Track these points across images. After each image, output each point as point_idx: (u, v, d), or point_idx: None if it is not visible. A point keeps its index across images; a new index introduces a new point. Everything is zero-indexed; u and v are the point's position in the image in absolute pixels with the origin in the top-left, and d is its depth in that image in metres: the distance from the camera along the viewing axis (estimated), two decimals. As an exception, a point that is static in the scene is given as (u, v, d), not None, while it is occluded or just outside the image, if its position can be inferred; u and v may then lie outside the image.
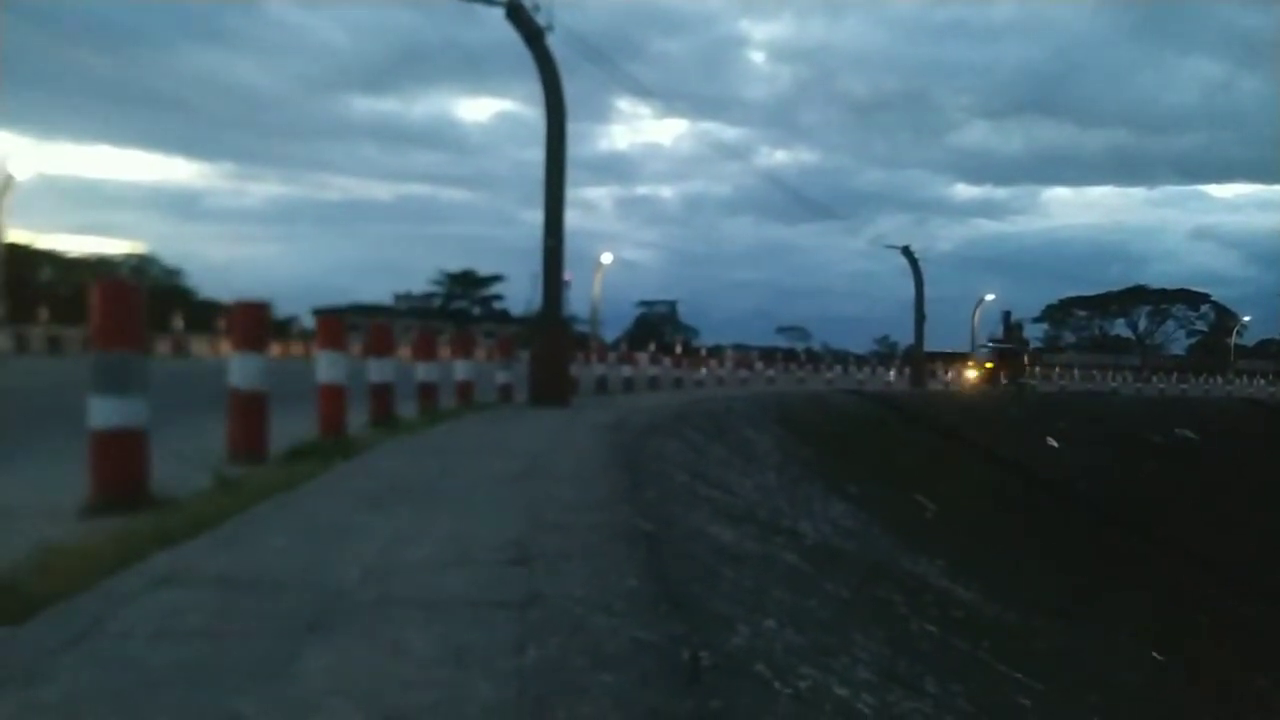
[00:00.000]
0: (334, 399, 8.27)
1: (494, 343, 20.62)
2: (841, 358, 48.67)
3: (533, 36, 13.77)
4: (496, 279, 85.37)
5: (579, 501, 5.31)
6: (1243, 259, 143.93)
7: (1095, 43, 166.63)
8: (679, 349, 31.40)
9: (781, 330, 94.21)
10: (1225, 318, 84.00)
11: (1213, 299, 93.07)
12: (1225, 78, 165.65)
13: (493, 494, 5.59)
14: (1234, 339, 69.96)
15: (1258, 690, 13.49)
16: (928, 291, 40.62)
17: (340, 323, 9.09)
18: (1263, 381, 58.18)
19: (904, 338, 51.69)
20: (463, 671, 2.61)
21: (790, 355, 45.08)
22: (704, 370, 29.25)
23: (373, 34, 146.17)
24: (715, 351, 37.67)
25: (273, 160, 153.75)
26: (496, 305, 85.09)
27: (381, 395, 9.75)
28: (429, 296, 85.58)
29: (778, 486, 11.40)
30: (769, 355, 39.74)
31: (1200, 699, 11.12)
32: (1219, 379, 56.48)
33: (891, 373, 44.29)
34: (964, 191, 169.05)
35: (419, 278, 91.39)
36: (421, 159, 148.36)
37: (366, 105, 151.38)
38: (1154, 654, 11.96)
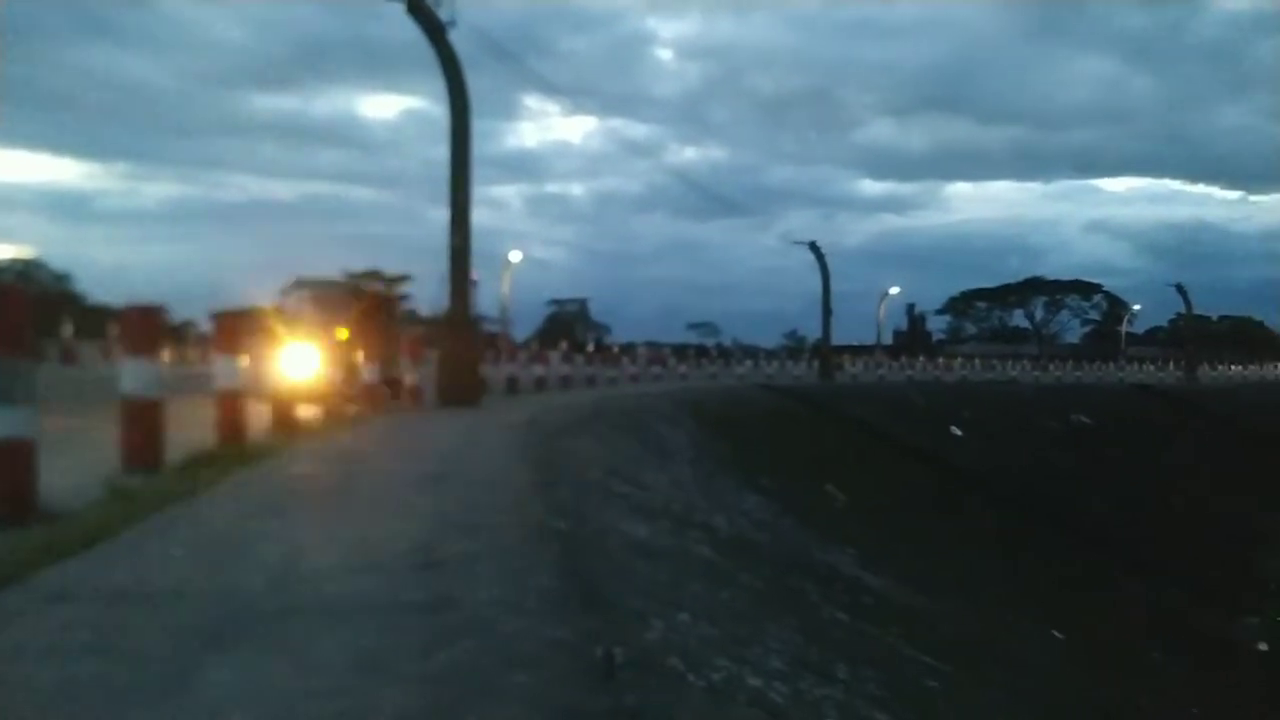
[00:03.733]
0: (232, 404, 8.04)
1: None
2: (752, 352, 49.18)
3: (435, 32, 13.59)
4: (403, 279, 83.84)
5: (490, 502, 5.26)
6: (1133, 250, 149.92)
7: (994, 42, 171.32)
8: (591, 347, 31.36)
9: (693, 326, 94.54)
10: (1117, 307, 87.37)
11: (1105, 289, 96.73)
12: (1117, 76, 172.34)
13: (401, 497, 5.50)
14: (1125, 327, 72.83)
15: (1153, 664, 14.09)
16: (835, 286, 41.40)
17: (238, 325, 8.82)
18: (1152, 367, 60.71)
19: (813, 332, 52.58)
20: (371, 679, 2.55)
21: (702, 351, 45.41)
22: (617, 368, 29.27)
23: (272, 29, 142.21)
24: (628, 349, 37.69)
25: (167, 159, 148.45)
26: (404, 305, 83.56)
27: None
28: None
29: (692, 481, 11.47)
30: (681, 351, 39.91)
31: (1100, 674, 11.55)
32: (1112, 366, 58.74)
33: (801, 366, 45.01)
34: (870, 187, 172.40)
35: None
36: (325, 157, 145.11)
37: (266, 102, 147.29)
38: (1054, 632, 12.38)
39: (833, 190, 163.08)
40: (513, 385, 19.49)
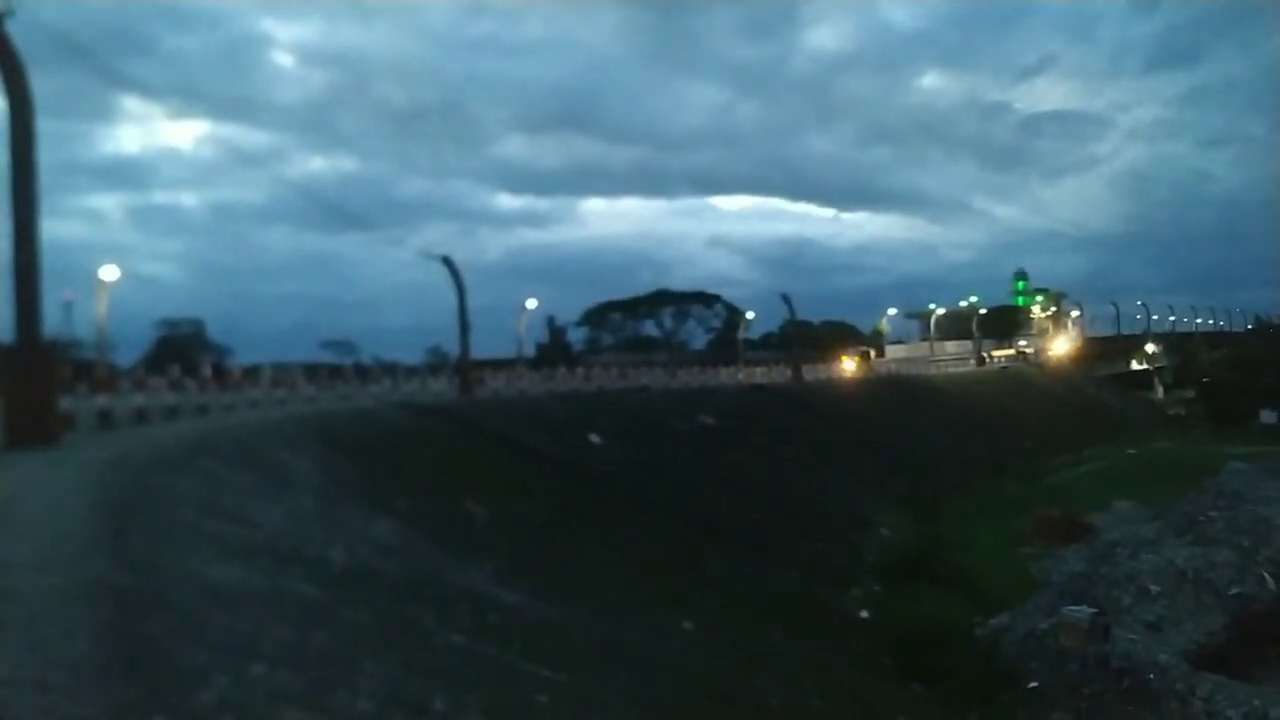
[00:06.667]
0: None
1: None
2: (391, 370, 47.89)
3: (-16, 21, 11.94)
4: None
5: (38, 560, 4.55)
6: (747, 263, 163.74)
7: (617, 65, 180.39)
8: (209, 371, 28.92)
9: (328, 345, 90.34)
10: (734, 315, 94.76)
11: (723, 299, 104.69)
12: (727, 102, 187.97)
13: (-78, 563, 4.61)
14: (742, 334, 79.05)
15: (773, 641, 15.31)
16: (477, 300, 41.20)
17: None
18: (765, 369, 66.43)
19: (456, 347, 52.43)
20: None
21: (336, 371, 43.47)
22: (237, 393, 27.19)
23: None
24: (252, 371, 35.21)
25: None
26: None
27: None
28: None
29: (314, 511, 10.82)
30: (313, 372, 37.92)
31: (725, 660, 12.32)
32: (732, 369, 63.55)
33: (442, 382, 44.54)
34: (507, 202, 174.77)
35: None
36: None
37: None
38: (685, 624, 13.05)
39: (470, 204, 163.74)
40: (106, 419, 17.43)
